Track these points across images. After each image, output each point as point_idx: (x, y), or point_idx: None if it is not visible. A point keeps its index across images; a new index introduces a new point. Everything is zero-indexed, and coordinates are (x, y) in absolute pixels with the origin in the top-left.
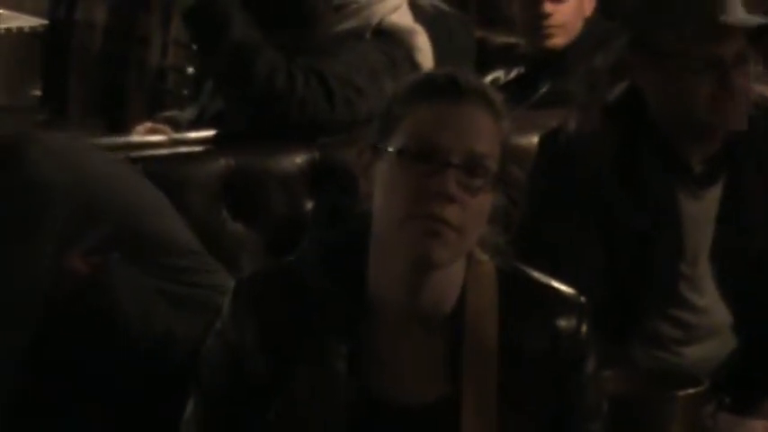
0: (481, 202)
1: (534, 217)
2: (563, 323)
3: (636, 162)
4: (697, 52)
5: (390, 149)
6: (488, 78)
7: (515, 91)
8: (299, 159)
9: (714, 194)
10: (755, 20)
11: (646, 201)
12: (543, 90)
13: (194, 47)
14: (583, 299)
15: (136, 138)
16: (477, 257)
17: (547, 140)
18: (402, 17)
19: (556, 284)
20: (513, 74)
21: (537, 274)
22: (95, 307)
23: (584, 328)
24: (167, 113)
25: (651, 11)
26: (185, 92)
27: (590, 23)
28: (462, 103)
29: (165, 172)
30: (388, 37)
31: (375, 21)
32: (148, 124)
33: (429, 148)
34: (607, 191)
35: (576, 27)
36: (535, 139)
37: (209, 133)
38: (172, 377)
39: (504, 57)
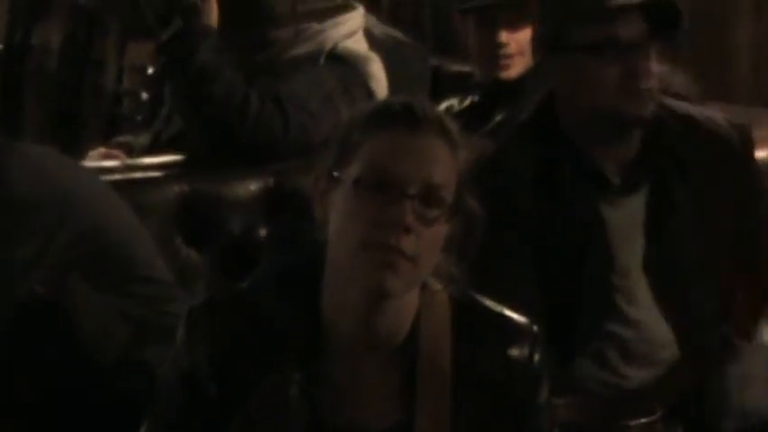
0: (436, 232)
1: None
2: (515, 352)
3: (555, 175)
4: (595, 36)
5: (347, 178)
6: (442, 106)
7: (469, 119)
8: (254, 185)
9: (637, 203)
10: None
11: (568, 214)
12: (498, 119)
13: (152, 73)
14: (535, 328)
15: (90, 163)
16: (430, 287)
17: (475, 169)
18: (357, 43)
19: (508, 313)
20: (467, 102)
21: (490, 303)
22: (51, 329)
23: (536, 357)
24: (122, 138)
25: (554, 6)
26: (140, 117)
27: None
28: (419, 133)
29: (119, 197)
30: (343, 62)
31: (329, 46)
32: (103, 149)
33: (385, 178)
34: (530, 209)
35: (530, 56)
36: None
37: (164, 159)
38: (129, 401)
39: (459, 85)
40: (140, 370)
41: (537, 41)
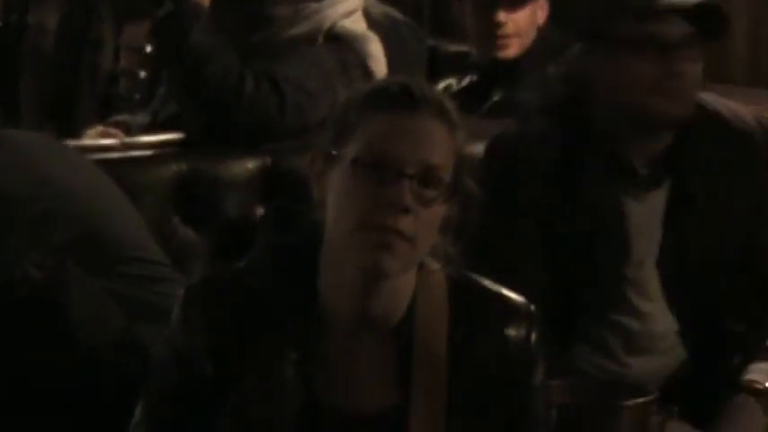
0: (434, 213)
1: (481, 225)
2: (512, 332)
3: (579, 165)
4: (640, 33)
5: (344, 158)
6: (440, 86)
7: (467, 99)
8: (251, 165)
9: (659, 198)
10: (693, 1)
11: (589, 203)
12: (495, 99)
13: (149, 52)
14: (532, 308)
15: (87, 141)
16: (427, 267)
17: (491, 148)
18: (355, 23)
19: (506, 293)
20: (466, 82)
21: (487, 283)
22: (48, 312)
23: (533, 338)
24: (119, 117)
25: (603, 3)
26: (137, 96)
27: (542, 32)
28: (417, 114)
29: (115, 176)
30: (341, 42)
31: (327, 25)
32: (100, 128)
33: (383, 158)
34: (550, 194)
35: (529, 36)
36: None
37: (161, 138)
38: (126, 383)
39: (457, 65)
40: (135, 351)
41: (578, 30)
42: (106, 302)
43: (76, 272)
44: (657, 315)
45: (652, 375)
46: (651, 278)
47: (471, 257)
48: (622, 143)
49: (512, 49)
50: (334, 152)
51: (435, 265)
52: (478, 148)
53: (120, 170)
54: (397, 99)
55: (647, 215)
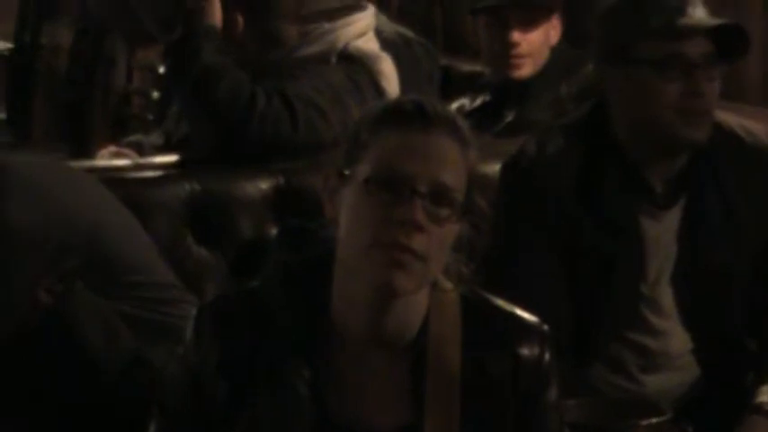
0: (447, 231)
1: (499, 245)
2: (525, 351)
3: (597, 183)
4: (662, 52)
5: (357, 177)
6: (453, 106)
7: (480, 119)
8: (264, 184)
9: (675, 216)
10: (715, 21)
11: (607, 221)
12: (509, 119)
13: (162, 72)
14: (546, 327)
15: (100, 162)
16: (441, 286)
17: (508, 166)
18: (368, 43)
19: (519, 312)
20: (479, 102)
21: (500, 302)
22: (59, 336)
23: (546, 357)
24: (132, 138)
25: (623, 17)
26: (150, 116)
27: (556, 52)
28: (430, 132)
29: (129, 196)
30: (353, 62)
31: (340, 45)
32: (113, 148)
33: (396, 176)
34: (569, 212)
35: (543, 56)
36: (499, 168)
37: (174, 158)
38: (136, 404)
39: (470, 85)
40: (145, 371)
41: (599, 50)
42: (116, 324)
43: (86, 294)
44: (673, 333)
45: (667, 394)
46: (666, 296)
47: (488, 277)
48: (640, 162)
49: (525, 69)
50: (346, 171)
51: (448, 285)
52: (492, 168)
53: (133, 190)
54: (409, 117)
55: (662, 233)
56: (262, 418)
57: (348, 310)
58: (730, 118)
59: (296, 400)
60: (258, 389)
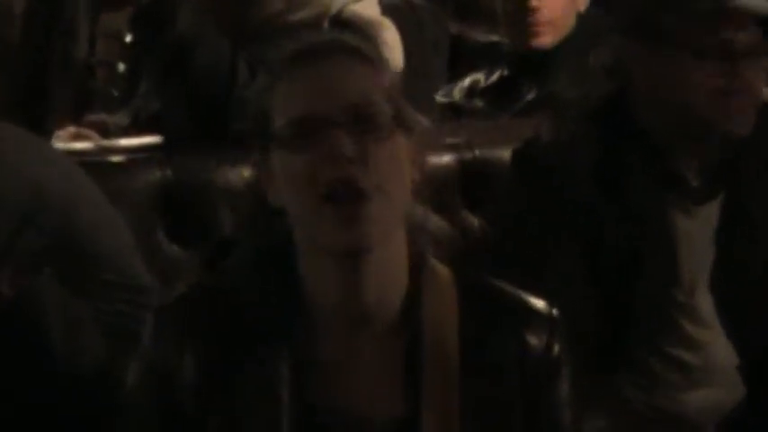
0: (389, 155)
1: (508, 238)
2: (532, 339)
3: (622, 174)
4: (702, 37)
5: (273, 141)
6: (466, 81)
7: (497, 95)
8: (248, 171)
9: (712, 212)
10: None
11: (634, 218)
12: (529, 95)
13: (129, 41)
14: (555, 312)
15: (58, 144)
16: (433, 266)
17: (521, 153)
18: (367, 8)
19: (524, 295)
20: (495, 76)
21: (504, 285)
22: (18, 333)
23: (556, 346)
24: (95, 117)
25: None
26: (115, 92)
27: (583, 19)
28: (319, 64)
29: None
30: (349, 29)
31: (334, 10)
32: (73, 129)
33: (305, 119)
34: (589, 207)
35: (567, 24)
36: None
37: (144, 140)
38: (100, 413)
39: (485, 56)
40: (116, 383)
41: (627, 23)
42: (85, 326)
43: (55, 289)
44: (714, 345)
45: (709, 414)
46: (705, 303)
47: (498, 273)
48: (670, 150)
49: (546, 38)
50: (261, 142)
51: (440, 265)
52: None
53: (96, 177)
54: (295, 59)
55: (699, 232)
56: (239, 410)
57: (319, 286)
58: None
59: (275, 389)
60: (234, 381)
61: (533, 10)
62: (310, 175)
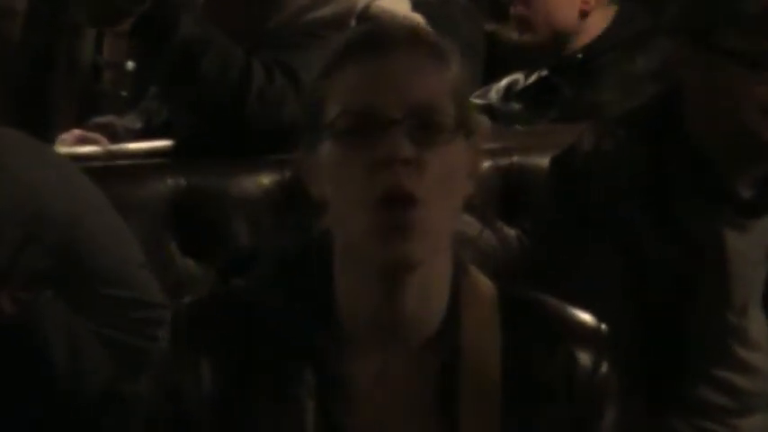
0: (446, 159)
1: (547, 252)
2: (580, 355)
3: (668, 186)
4: (756, 45)
5: (324, 134)
6: (503, 83)
7: (536, 99)
8: (266, 179)
9: (765, 227)
10: None
11: (681, 234)
12: (569, 99)
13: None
14: (603, 327)
15: (63, 149)
16: (471, 275)
17: (559, 161)
18: (396, 3)
19: (570, 309)
20: (534, 77)
21: (546, 298)
22: (22, 348)
23: (604, 366)
24: (102, 119)
25: (709, 4)
26: (124, 93)
27: (620, 15)
28: (389, 55)
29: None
30: None
31: (360, 5)
32: (78, 132)
33: (363, 112)
34: (632, 221)
35: (605, 17)
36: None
37: (155, 145)
38: None
39: (523, 57)
40: (122, 402)
41: (676, 27)
42: (90, 345)
43: (58, 307)
44: (767, 369)
45: None
46: (756, 324)
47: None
48: (720, 162)
49: (586, 35)
50: (311, 134)
51: (482, 276)
52: (546, 162)
53: (103, 185)
54: (362, 47)
55: (750, 248)
56: (257, 424)
57: (355, 298)
58: None
59: (299, 413)
60: (254, 398)
61: None
62: (362, 175)
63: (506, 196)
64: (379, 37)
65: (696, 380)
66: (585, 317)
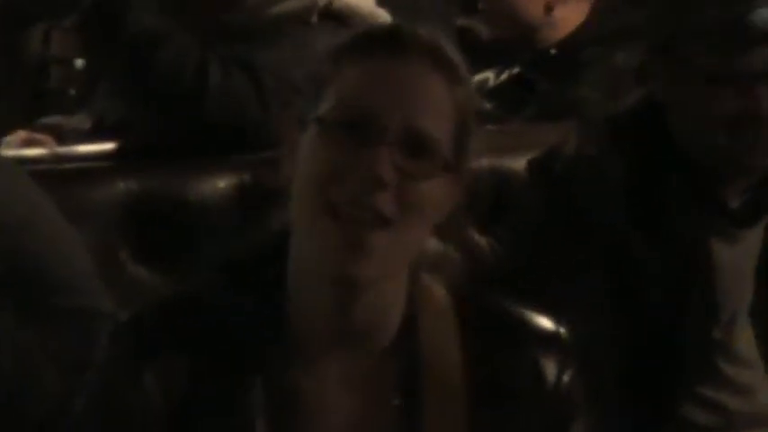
0: (425, 195)
1: (526, 259)
2: (544, 362)
3: (655, 194)
4: (716, 60)
5: (313, 119)
6: (473, 81)
7: (509, 97)
8: (223, 183)
9: (755, 238)
10: None
11: (667, 242)
12: (544, 97)
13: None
14: (563, 332)
15: (8, 151)
16: (424, 281)
17: (539, 165)
18: None
19: (531, 314)
20: (505, 75)
21: (506, 302)
22: None
23: (565, 378)
24: (49, 120)
25: (677, 15)
26: (73, 91)
27: (603, 8)
28: (406, 60)
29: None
30: (341, 22)
31: (323, 1)
32: (24, 134)
33: (359, 113)
34: (616, 228)
35: (580, 11)
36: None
37: (106, 147)
38: None
39: (495, 53)
40: (69, 416)
41: (647, 33)
42: (37, 360)
43: (3, 317)
44: (756, 387)
45: None
46: (743, 340)
47: (529, 296)
48: (706, 169)
49: (561, 30)
50: (306, 117)
51: (434, 282)
52: (520, 163)
53: (51, 189)
54: (379, 43)
55: (739, 259)
56: None
57: (306, 306)
58: None
59: (249, 413)
60: (201, 418)
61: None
62: (332, 179)
63: (478, 201)
64: (400, 39)
65: (681, 398)
66: (545, 321)
